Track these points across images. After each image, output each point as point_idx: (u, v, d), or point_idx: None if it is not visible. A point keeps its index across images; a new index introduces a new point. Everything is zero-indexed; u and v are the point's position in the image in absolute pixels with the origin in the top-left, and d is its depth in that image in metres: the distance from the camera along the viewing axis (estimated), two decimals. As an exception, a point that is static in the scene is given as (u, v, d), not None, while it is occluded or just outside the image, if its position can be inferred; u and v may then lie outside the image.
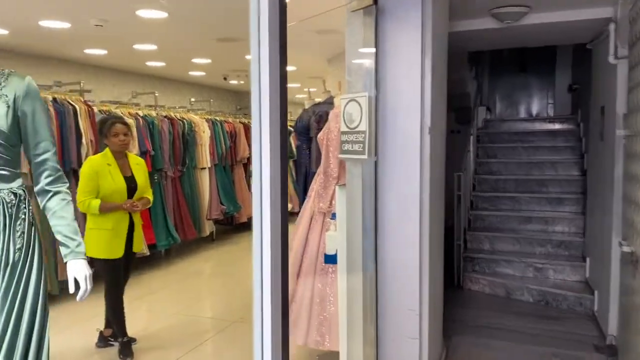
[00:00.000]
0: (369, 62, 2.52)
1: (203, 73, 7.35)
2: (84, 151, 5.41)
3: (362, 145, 2.55)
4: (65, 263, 2.06)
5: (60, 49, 5.49)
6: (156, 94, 6.98)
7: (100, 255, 3.57)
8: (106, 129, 3.70)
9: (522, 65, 8.33)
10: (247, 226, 7.90)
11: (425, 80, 2.59)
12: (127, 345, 3.72)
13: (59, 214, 2.05)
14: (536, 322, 4.48)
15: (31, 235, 2.01)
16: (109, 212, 3.59)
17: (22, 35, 4.91)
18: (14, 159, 2.00)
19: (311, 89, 6.54)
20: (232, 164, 8.22)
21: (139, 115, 6.36)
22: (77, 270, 2.04)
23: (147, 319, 4.70)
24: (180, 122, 6.99)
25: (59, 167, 2.10)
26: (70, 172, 5.35)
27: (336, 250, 2.93)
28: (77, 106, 5.44)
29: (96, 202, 3.53)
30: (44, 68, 5.77)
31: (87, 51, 5.43)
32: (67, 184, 2.13)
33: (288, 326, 1.37)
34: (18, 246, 1.94)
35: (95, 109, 5.79)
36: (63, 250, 2.06)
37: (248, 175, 8.65)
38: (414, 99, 2.59)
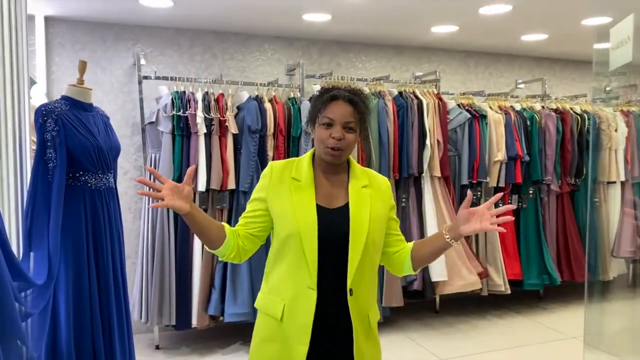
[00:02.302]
0: None
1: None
2: (426, 155, 4.38)
3: None
4: None
5: (415, 36, 4.63)
6: (545, 82, 5.26)
7: None
8: (317, 108, 1.67)
9: None
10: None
11: None
12: None
13: None
14: None
15: None
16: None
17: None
18: None
19: None
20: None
21: (512, 110, 4.85)
22: None
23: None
24: (577, 117, 5.05)
25: None
26: (410, 179, 4.42)
27: None
28: (424, 100, 4.46)
29: (221, 246, 1.65)
30: (398, 58, 5.05)
31: (435, 29, 4.36)
32: None
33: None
34: None
35: (452, 103, 4.68)
36: None
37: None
38: None
